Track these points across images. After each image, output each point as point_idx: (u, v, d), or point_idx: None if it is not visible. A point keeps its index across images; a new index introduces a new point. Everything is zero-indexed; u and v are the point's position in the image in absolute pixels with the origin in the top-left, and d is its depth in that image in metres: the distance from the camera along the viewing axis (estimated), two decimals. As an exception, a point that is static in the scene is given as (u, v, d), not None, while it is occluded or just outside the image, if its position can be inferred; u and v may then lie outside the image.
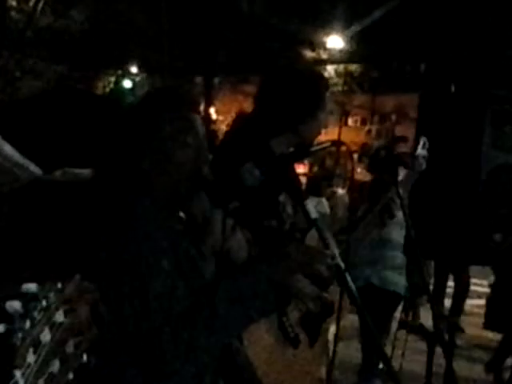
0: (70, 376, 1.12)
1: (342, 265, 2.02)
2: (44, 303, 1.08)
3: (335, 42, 23.45)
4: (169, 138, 2.14)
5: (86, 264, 2.01)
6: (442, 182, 3.73)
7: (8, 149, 3.71)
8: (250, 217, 2.54)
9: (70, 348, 1.10)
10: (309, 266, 2.04)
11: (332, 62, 23.94)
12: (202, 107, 22.96)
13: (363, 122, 30.50)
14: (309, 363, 2.87)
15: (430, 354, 3.71)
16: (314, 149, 2.62)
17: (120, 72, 24.77)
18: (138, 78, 24.75)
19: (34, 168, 3.85)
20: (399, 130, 25.26)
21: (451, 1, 15.03)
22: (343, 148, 2.47)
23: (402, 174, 3.51)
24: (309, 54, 24.17)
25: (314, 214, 2.06)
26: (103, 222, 2.01)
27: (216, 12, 19.84)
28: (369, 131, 29.20)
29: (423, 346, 3.94)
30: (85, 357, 1.15)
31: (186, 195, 2.19)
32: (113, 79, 24.97)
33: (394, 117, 27.80)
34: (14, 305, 1.08)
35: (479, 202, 3.67)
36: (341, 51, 23.98)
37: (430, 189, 3.71)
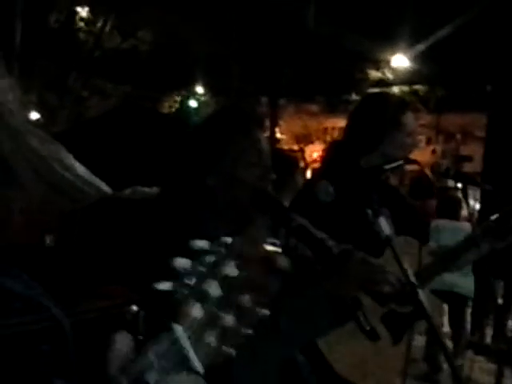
0: (248, 330, 1.10)
1: (415, 281, 2.02)
2: (213, 258, 1.08)
3: (400, 61, 23.21)
4: (234, 157, 2.16)
5: (157, 278, 2.04)
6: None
7: (79, 167, 3.80)
8: (316, 235, 2.56)
9: (246, 302, 1.07)
10: (369, 283, 2.05)
11: (397, 83, 23.73)
12: (267, 126, 22.95)
13: (428, 141, 30.17)
14: (389, 357, 2.88)
15: (499, 375, 3.66)
16: (387, 166, 2.72)
17: (185, 92, 25.00)
18: (203, 98, 24.93)
19: (103, 186, 3.93)
20: (464, 150, 24.91)
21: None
22: (413, 167, 2.56)
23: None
24: (374, 73, 24.04)
25: (387, 231, 2.07)
26: (170, 238, 2.05)
27: (282, 32, 19.90)
28: (434, 150, 28.84)
29: (491, 366, 3.87)
30: (263, 311, 1.13)
31: (250, 213, 2.21)
32: (178, 99, 25.22)
33: (458, 136, 27.42)
34: (182, 262, 1.09)
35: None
36: (406, 70, 23.73)
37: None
